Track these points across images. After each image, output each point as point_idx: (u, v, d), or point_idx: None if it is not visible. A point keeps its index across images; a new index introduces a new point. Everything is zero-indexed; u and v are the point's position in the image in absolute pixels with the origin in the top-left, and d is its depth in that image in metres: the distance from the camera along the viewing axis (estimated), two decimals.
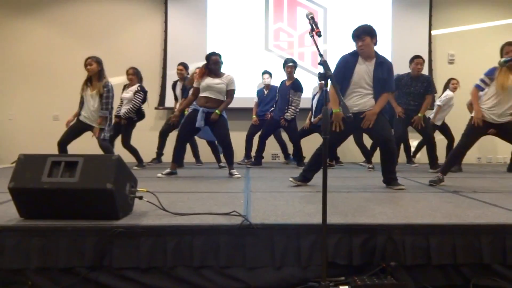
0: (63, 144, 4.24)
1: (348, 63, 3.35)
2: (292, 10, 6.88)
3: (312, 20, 2.15)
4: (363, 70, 3.33)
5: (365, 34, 3.29)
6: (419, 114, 4.84)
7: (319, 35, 2.09)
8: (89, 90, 4.29)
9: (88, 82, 4.33)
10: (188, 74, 5.50)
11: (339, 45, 6.89)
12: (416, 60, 4.95)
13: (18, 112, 6.66)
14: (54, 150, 4.11)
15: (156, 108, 6.62)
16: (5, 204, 2.51)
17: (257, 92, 5.97)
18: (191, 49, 6.74)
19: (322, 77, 1.89)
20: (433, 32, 6.96)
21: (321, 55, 2.01)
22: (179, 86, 5.58)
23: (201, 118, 4.08)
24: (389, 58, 6.82)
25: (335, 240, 2.00)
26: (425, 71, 6.86)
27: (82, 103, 4.33)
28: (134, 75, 5.21)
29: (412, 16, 6.93)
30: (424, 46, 6.94)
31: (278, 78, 5.74)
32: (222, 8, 6.86)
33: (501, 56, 4.07)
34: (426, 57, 6.93)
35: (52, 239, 1.96)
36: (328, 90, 1.91)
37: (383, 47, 6.92)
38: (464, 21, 6.97)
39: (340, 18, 6.93)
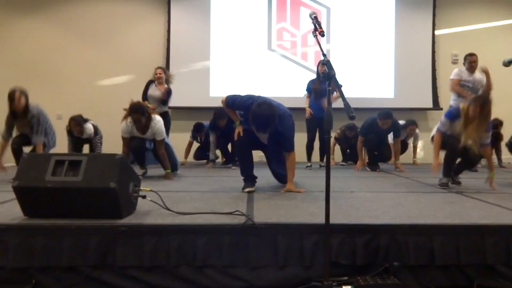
0: (17, 145, 3.97)
1: None
2: (295, 9, 6.88)
3: (315, 20, 2.14)
4: None
5: None
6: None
7: (322, 35, 2.08)
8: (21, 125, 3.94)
9: (13, 117, 3.89)
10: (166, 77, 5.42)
11: (342, 45, 6.90)
12: (381, 121, 4.94)
13: None
14: (57, 149, 4.12)
15: None
16: (9, 202, 2.52)
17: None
18: (194, 48, 6.76)
19: (326, 77, 1.88)
20: (436, 32, 6.94)
21: (324, 55, 2.00)
22: (152, 88, 5.34)
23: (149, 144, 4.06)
24: (392, 58, 6.91)
25: (338, 240, 2.00)
26: (428, 72, 6.92)
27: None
28: (78, 126, 5.03)
29: (415, 16, 6.92)
30: (428, 46, 6.93)
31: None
32: (225, 7, 6.87)
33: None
34: (429, 57, 6.95)
35: (56, 237, 1.96)
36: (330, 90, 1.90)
37: (386, 47, 6.93)
38: (468, 21, 6.95)
39: (343, 18, 6.93)
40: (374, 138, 5.04)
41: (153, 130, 3.86)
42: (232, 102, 3.22)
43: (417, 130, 6.06)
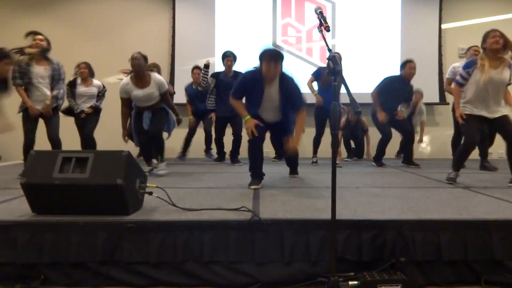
0: (31, 144, 3.85)
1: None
2: (300, 5, 6.84)
3: (321, 15, 2.13)
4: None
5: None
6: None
7: (328, 30, 2.07)
8: (35, 68, 3.89)
9: (27, 59, 3.85)
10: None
11: (347, 40, 6.86)
12: (409, 64, 4.85)
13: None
14: (64, 146, 4.14)
15: None
16: (18, 199, 2.54)
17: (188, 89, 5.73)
18: (199, 44, 6.76)
19: (331, 72, 1.87)
20: (443, 26, 6.87)
21: (329, 50, 1.99)
22: None
23: (147, 117, 4.08)
24: (398, 53, 6.85)
25: (344, 236, 2.00)
26: (435, 66, 6.85)
27: (26, 90, 3.93)
28: (86, 69, 5.21)
29: (422, 9, 6.85)
30: (434, 40, 6.87)
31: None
32: (229, 3, 6.85)
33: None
34: (436, 51, 6.88)
35: (64, 234, 1.99)
36: (336, 85, 1.89)
37: (393, 42, 6.87)
38: (475, 15, 6.87)
39: (348, 13, 6.88)
40: (393, 100, 4.91)
41: (155, 80, 3.93)
42: (237, 88, 3.25)
43: (423, 105, 5.92)
